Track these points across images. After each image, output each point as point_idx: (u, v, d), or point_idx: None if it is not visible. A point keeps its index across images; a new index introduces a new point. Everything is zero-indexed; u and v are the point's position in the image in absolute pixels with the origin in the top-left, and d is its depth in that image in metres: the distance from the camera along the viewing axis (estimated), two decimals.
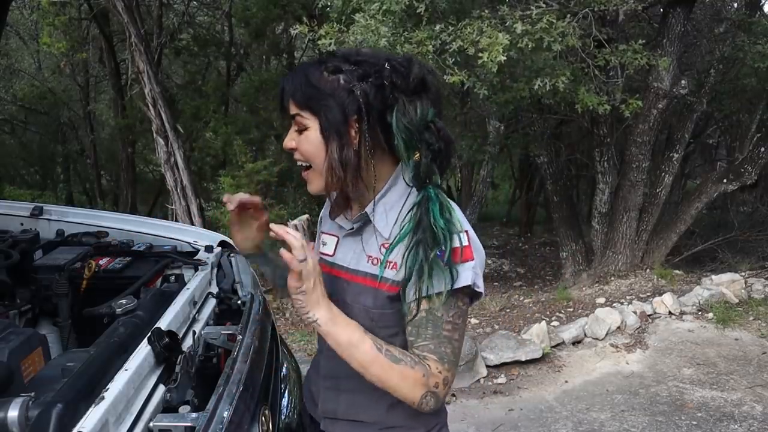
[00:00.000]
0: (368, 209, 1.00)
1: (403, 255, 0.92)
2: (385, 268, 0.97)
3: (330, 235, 1.11)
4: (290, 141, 0.99)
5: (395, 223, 0.98)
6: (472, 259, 0.93)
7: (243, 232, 1.07)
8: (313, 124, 0.94)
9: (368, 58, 0.95)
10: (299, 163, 1.00)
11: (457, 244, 0.92)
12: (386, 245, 0.97)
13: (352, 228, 1.04)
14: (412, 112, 0.92)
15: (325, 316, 0.92)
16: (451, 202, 0.96)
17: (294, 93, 0.95)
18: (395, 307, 0.97)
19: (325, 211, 1.15)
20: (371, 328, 0.97)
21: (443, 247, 0.90)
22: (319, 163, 0.96)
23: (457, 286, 0.91)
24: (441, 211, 0.92)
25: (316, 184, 0.99)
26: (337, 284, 1.04)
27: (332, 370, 1.09)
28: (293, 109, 0.96)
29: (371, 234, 1.01)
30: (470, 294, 0.96)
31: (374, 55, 0.96)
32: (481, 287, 0.95)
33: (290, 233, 0.90)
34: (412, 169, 0.93)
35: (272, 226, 0.93)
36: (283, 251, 0.88)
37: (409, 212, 0.94)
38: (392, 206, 0.99)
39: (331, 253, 1.09)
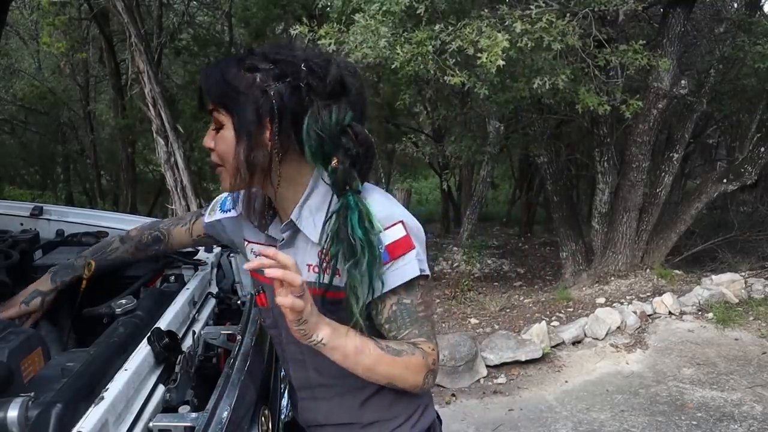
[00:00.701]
0: (293, 216, 0.97)
1: (339, 262, 0.91)
2: (327, 275, 0.93)
3: (264, 245, 1.06)
4: (208, 140, 0.96)
5: (323, 229, 0.95)
6: (413, 248, 0.93)
7: None
8: (228, 122, 0.92)
9: (287, 57, 0.91)
10: (214, 161, 0.97)
11: (390, 240, 0.91)
12: (321, 251, 0.94)
13: (283, 239, 1.00)
14: (326, 117, 0.89)
15: (328, 333, 0.88)
16: (375, 201, 0.93)
17: (209, 89, 0.93)
18: (342, 310, 0.94)
19: (234, 213, 1.13)
20: None
21: (369, 255, 0.88)
22: (232, 162, 0.94)
23: (404, 280, 0.92)
24: (360, 221, 0.89)
25: (227, 182, 0.97)
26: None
27: (304, 382, 1.09)
28: (209, 105, 0.94)
29: (305, 241, 0.98)
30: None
31: (294, 54, 0.93)
32: (426, 270, 0.95)
33: (288, 273, 0.80)
34: (330, 175, 0.90)
35: (255, 263, 0.82)
36: (280, 299, 0.80)
37: (326, 221, 0.92)
38: (318, 209, 0.96)
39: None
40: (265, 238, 1.06)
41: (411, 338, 0.95)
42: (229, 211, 1.17)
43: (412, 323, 0.95)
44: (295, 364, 1.09)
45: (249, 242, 1.11)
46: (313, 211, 0.96)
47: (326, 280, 0.93)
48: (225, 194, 1.19)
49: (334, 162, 0.89)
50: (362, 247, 0.88)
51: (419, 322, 0.95)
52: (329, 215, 0.92)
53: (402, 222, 0.93)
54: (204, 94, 0.95)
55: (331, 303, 0.94)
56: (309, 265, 0.98)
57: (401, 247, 0.92)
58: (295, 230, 0.99)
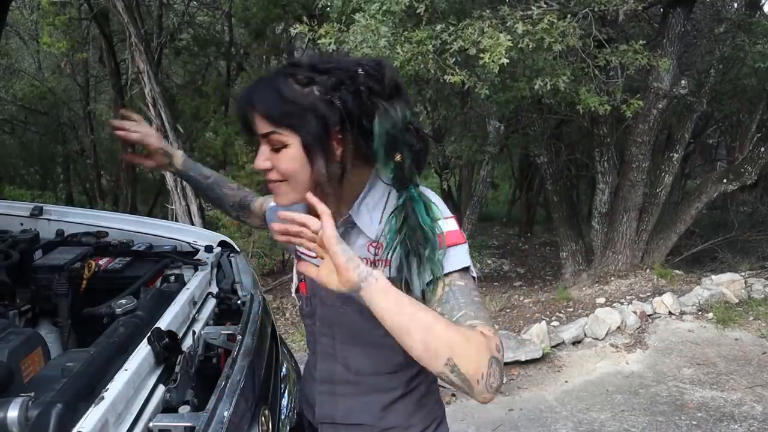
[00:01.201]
0: (352, 213, 0.98)
1: (394, 253, 0.92)
2: (378, 267, 0.95)
3: None
4: (264, 161, 0.93)
5: (379, 222, 0.97)
6: (465, 241, 0.94)
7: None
8: (293, 140, 0.90)
9: (337, 64, 0.91)
10: (272, 180, 0.95)
11: (447, 228, 0.92)
12: (374, 244, 0.96)
13: (339, 230, 1.02)
14: (394, 116, 0.90)
15: (378, 272, 0.84)
16: (431, 195, 0.96)
17: (268, 111, 0.89)
18: None
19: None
20: (368, 330, 0.96)
21: (435, 241, 0.90)
22: (302, 179, 0.93)
23: (460, 266, 0.91)
24: (427, 211, 0.92)
25: (290, 197, 0.96)
26: (325, 288, 1.00)
27: (327, 375, 1.08)
28: (265, 128, 0.91)
29: (356, 236, 0.99)
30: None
31: (341, 60, 0.93)
32: (474, 272, 0.95)
33: (302, 216, 0.84)
34: (392, 171, 0.91)
35: (279, 226, 0.87)
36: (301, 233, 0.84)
37: (392, 214, 0.93)
38: (374, 207, 0.98)
39: (314, 255, 1.05)
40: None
41: (467, 321, 0.85)
42: None
43: (467, 305, 0.87)
44: (324, 357, 1.08)
45: None
46: (370, 208, 0.97)
47: (385, 272, 0.93)
48: None
49: (398, 158, 0.91)
50: (432, 233, 0.90)
51: (475, 305, 0.88)
52: (395, 208, 0.93)
53: (454, 217, 0.96)
54: (254, 116, 0.91)
55: None
56: (361, 259, 0.99)
57: (456, 237, 0.93)
58: (349, 226, 1.00)
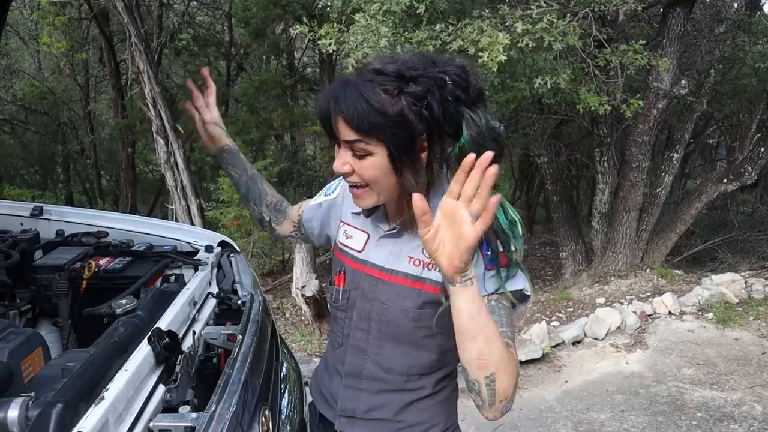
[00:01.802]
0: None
1: None
2: (431, 270, 0.97)
3: (358, 230, 1.09)
4: (345, 165, 0.93)
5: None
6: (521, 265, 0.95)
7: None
8: (379, 150, 0.90)
9: (422, 70, 0.90)
10: (352, 183, 0.96)
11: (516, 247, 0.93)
12: None
13: (394, 229, 1.02)
14: (478, 122, 0.90)
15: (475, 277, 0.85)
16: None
17: (356, 120, 0.88)
18: (436, 309, 0.96)
19: (345, 201, 1.13)
20: (411, 330, 0.98)
21: (513, 248, 0.91)
22: (386, 185, 0.94)
23: (516, 287, 0.93)
24: (505, 213, 0.92)
25: (370, 200, 0.97)
26: (370, 282, 1.04)
27: (356, 370, 1.08)
28: (351, 135, 0.90)
29: (412, 235, 1.00)
30: (518, 298, 0.95)
31: (424, 65, 0.91)
32: (530, 291, 0.96)
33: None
34: None
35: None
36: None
37: None
38: (435, 209, 0.96)
39: (359, 249, 1.07)
40: (367, 223, 1.07)
41: (504, 338, 0.89)
42: (332, 193, 1.18)
43: (507, 324, 0.91)
44: (354, 351, 1.08)
45: (345, 224, 1.12)
46: (432, 209, 0.96)
47: (429, 275, 0.96)
48: (334, 182, 1.20)
49: None
50: (513, 235, 0.91)
51: (511, 328, 0.93)
52: None
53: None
54: (340, 122, 0.90)
55: (428, 298, 0.97)
56: (411, 258, 1.00)
57: (506, 257, 0.93)
58: (406, 224, 1.00)
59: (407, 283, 0.99)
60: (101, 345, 1.09)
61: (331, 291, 1.13)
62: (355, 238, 1.09)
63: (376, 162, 0.91)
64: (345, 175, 0.95)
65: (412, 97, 0.88)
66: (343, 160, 0.93)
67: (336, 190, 1.17)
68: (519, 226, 0.94)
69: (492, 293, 0.92)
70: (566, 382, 3.42)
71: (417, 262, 0.99)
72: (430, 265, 0.97)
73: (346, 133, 0.90)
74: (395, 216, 1.03)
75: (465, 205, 0.78)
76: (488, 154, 0.76)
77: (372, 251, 1.05)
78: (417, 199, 0.78)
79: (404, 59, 0.92)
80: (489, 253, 0.92)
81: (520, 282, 0.94)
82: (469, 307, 0.82)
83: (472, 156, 0.77)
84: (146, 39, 5.43)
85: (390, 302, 1.00)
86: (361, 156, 0.91)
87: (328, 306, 1.16)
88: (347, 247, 1.09)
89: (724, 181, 5.14)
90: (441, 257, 0.81)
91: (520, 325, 4.18)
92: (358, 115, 0.87)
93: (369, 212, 1.06)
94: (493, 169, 0.76)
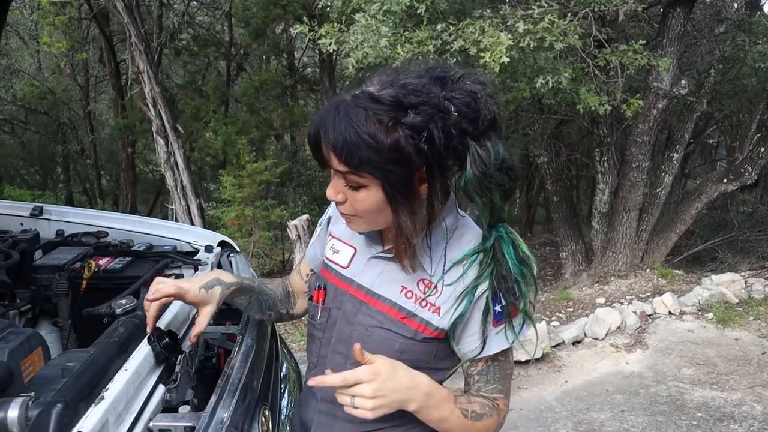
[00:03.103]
0: (417, 242, 0.89)
1: (458, 304, 0.88)
2: (423, 307, 0.91)
3: (345, 244, 1.01)
4: (337, 194, 0.85)
5: (439, 261, 0.91)
6: (519, 312, 0.91)
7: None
8: (371, 184, 0.81)
9: (424, 96, 0.79)
10: (344, 212, 0.89)
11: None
12: (426, 282, 0.91)
13: (390, 252, 0.93)
14: (485, 158, 0.81)
15: (420, 400, 0.86)
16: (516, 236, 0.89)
17: (345, 153, 0.78)
18: (422, 346, 0.92)
19: (336, 213, 1.03)
20: (393, 359, 0.90)
21: (520, 299, 0.87)
22: (380, 219, 0.87)
23: (525, 338, 0.92)
24: (515, 253, 0.86)
25: (362, 227, 0.91)
26: (353, 304, 0.96)
27: (330, 395, 0.97)
28: (341, 167, 0.81)
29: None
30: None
31: (427, 88, 0.80)
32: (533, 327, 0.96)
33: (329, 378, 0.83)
34: (483, 210, 0.85)
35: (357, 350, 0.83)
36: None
37: (475, 257, 0.88)
38: (438, 242, 0.91)
39: (345, 264, 0.99)
40: (357, 238, 0.99)
41: (494, 393, 0.95)
42: (325, 215, 1.12)
43: (499, 379, 0.95)
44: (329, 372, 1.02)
45: (332, 237, 1.04)
46: (433, 243, 0.91)
47: (422, 314, 0.91)
48: (330, 207, 1.11)
49: (483, 201, 0.84)
50: (518, 284, 0.86)
51: (504, 380, 0.95)
52: (476, 251, 0.88)
53: None
54: (329, 151, 0.81)
55: (418, 335, 0.92)
56: (403, 288, 0.92)
57: (515, 307, 0.89)
58: (400, 254, 0.93)
59: (395, 315, 0.91)
60: (101, 345, 1.09)
61: (309, 306, 1.05)
62: (342, 252, 1.00)
63: (370, 196, 0.82)
64: (338, 204, 0.88)
65: (409, 128, 0.78)
66: (336, 189, 0.85)
67: (330, 208, 1.10)
68: (531, 265, 0.87)
69: (496, 353, 0.91)
70: (566, 382, 3.42)
71: (409, 294, 0.91)
72: (424, 302, 0.90)
73: (336, 163, 0.81)
74: (392, 238, 0.92)
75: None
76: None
77: (359, 270, 0.97)
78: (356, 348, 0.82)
79: (405, 81, 0.81)
80: (498, 308, 0.88)
81: (523, 333, 0.92)
82: (421, 417, 0.89)
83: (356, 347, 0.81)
84: (146, 39, 5.43)
85: (374, 329, 0.92)
86: (354, 188, 0.83)
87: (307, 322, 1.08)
88: (332, 262, 1.01)
89: (724, 181, 5.14)
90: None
91: None
92: (347, 148, 0.78)
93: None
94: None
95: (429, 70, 0.83)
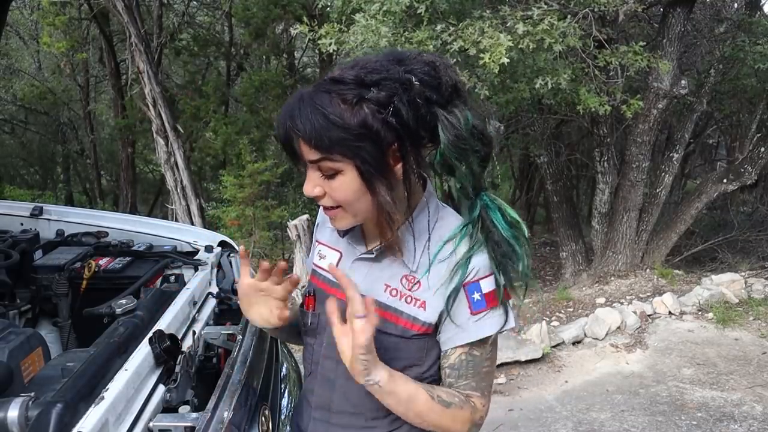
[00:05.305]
0: (401, 235, 0.90)
1: (450, 278, 0.87)
2: (409, 304, 0.90)
3: (331, 249, 1.01)
4: (314, 188, 0.84)
5: (422, 254, 0.90)
6: (510, 297, 0.89)
7: (259, 305, 0.95)
8: (346, 167, 0.81)
9: (384, 73, 0.80)
10: (327, 207, 0.87)
11: (488, 288, 0.87)
12: (409, 277, 0.90)
13: (371, 253, 0.93)
14: (455, 122, 0.82)
15: (385, 375, 0.84)
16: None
17: (314, 138, 0.78)
18: (414, 343, 0.90)
19: (323, 218, 1.04)
20: (383, 360, 0.89)
21: (520, 267, 0.85)
22: (361, 207, 0.85)
23: (506, 328, 0.89)
24: (504, 218, 0.86)
25: (346, 222, 0.88)
26: (342, 308, 0.95)
27: (324, 402, 0.99)
28: (313, 154, 0.80)
29: (391, 261, 0.92)
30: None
31: (387, 65, 0.82)
32: (513, 322, 0.91)
33: (350, 285, 0.81)
34: (459, 180, 0.86)
35: (332, 268, 0.87)
36: (349, 313, 0.80)
37: (464, 230, 0.87)
38: (420, 234, 0.90)
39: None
40: (342, 242, 0.99)
41: (467, 390, 0.91)
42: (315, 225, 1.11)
43: (474, 375, 0.91)
44: (323, 382, 0.99)
45: (319, 243, 1.04)
46: (416, 235, 0.90)
47: (408, 311, 0.89)
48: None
49: (463, 168, 0.85)
50: (514, 249, 0.85)
51: (480, 377, 0.91)
52: (461, 227, 0.88)
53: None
54: (299, 141, 0.80)
55: (405, 333, 0.90)
56: (387, 286, 0.91)
57: (492, 299, 0.87)
58: (387, 251, 0.92)
59: (381, 314, 0.89)
60: (101, 345, 1.09)
61: (302, 314, 1.04)
62: (329, 257, 1.00)
63: (346, 181, 0.82)
64: (317, 198, 0.86)
65: (374, 104, 0.79)
66: (312, 183, 0.84)
67: (318, 216, 1.09)
68: (521, 228, 0.87)
69: (469, 343, 0.88)
70: (566, 382, 3.42)
71: (394, 292, 0.91)
72: (409, 298, 0.90)
73: (308, 152, 0.81)
74: (374, 238, 0.93)
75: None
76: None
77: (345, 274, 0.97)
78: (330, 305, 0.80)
79: (365, 62, 0.83)
80: (474, 296, 0.86)
81: (497, 323, 0.88)
82: (388, 402, 0.86)
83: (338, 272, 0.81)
84: (146, 39, 5.43)
85: None
86: (329, 176, 0.82)
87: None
88: (320, 268, 1.00)
89: (724, 181, 5.14)
90: (346, 362, 0.82)
91: (520, 325, 4.18)
92: (315, 132, 0.78)
93: (344, 231, 0.97)
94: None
95: (386, 54, 0.85)
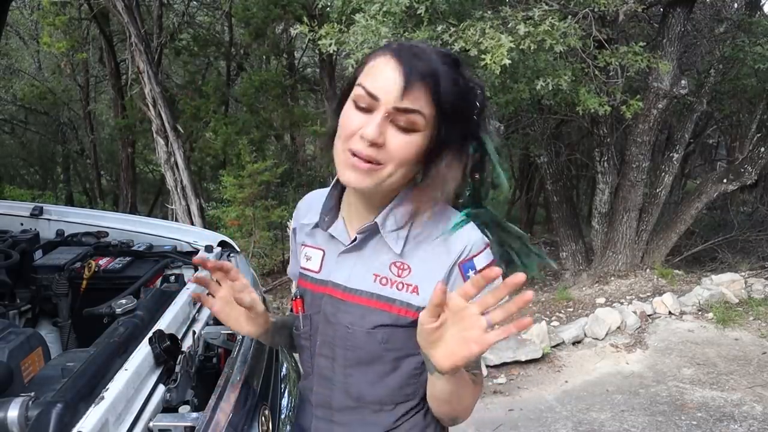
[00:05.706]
0: (378, 220, 0.90)
1: (433, 278, 0.87)
2: (401, 290, 0.89)
3: (314, 248, 1.00)
4: (380, 135, 0.80)
5: (406, 240, 0.90)
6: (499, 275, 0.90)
7: (232, 313, 0.99)
8: (427, 131, 0.82)
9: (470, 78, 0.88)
10: (370, 157, 0.82)
11: (482, 264, 0.88)
12: (397, 264, 0.90)
13: (355, 240, 0.92)
14: (494, 136, 0.90)
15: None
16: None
17: (442, 94, 0.81)
18: (409, 331, 0.87)
19: (302, 222, 1.04)
20: (379, 353, 0.90)
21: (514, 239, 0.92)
22: (404, 172, 0.84)
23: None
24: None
25: (370, 181, 0.84)
26: (332, 305, 0.94)
27: (324, 400, 0.99)
28: (419, 105, 0.80)
29: (376, 250, 0.92)
30: None
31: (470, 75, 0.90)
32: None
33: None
34: (469, 189, 0.91)
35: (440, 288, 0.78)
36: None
37: (440, 222, 0.89)
38: (402, 219, 0.90)
39: (317, 269, 0.98)
40: (324, 238, 0.98)
41: (473, 369, 0.92)
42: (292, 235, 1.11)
43: None
44: (321, 380, 0.99)
45: (304, 246, 1.03)
46: (398, 221, 0.90)
47: (401, 297, 0.89)
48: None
49: (476, 177, 0.91)
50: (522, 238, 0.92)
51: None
52: (459, 222, 0.90)
53: (489, 246, 0.91)
54: (418, 89, 0.80)
55: (399, 320, 0.90)
56: (376, 276, 0.91)
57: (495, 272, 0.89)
58: (371, 235, 0.92)
59: (373, 304, 0.90)
60: (101, 345, 1.09)
61: (294, 318, 1.04)
62: (313, 258, 0.99)
63: (416, 141, 0.82)
64: (371, 144, 0.81)
65: (478, 96, 0.87)
66: (379, 128, 0.80)
67: (291, 222, 1.10)
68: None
69: None
70: (566, 382, 3.42)
71: (384, 281, 0.90)
72: (400, 285, 0.89)
73: (417, 100, 0.80)
74: (359, 222, 0.93)
75: (480, 309, 0.72)
76: (520, 277, 0.69)
77: (332, 270, 0.95)
78: (439, 288, 0.71)
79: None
80: (470, 275, 0.86)
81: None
82: (449, 386, 0.84)
83: (498, 270, 0.72)
84: (146, 39, 5.43)
85: (355, 326, 0.91)
86: (405, 129, 0.81)
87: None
88: (306, 269, 1.00)
89: (724, 181, 5.14)
90: (437, 352, 0.76)
91: None
92: (442, 90, 0.80)
93: (327, 224, 0.96)
94: (529, 295, 0.69)
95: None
